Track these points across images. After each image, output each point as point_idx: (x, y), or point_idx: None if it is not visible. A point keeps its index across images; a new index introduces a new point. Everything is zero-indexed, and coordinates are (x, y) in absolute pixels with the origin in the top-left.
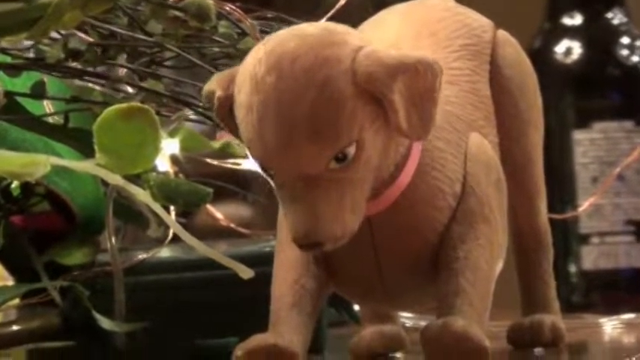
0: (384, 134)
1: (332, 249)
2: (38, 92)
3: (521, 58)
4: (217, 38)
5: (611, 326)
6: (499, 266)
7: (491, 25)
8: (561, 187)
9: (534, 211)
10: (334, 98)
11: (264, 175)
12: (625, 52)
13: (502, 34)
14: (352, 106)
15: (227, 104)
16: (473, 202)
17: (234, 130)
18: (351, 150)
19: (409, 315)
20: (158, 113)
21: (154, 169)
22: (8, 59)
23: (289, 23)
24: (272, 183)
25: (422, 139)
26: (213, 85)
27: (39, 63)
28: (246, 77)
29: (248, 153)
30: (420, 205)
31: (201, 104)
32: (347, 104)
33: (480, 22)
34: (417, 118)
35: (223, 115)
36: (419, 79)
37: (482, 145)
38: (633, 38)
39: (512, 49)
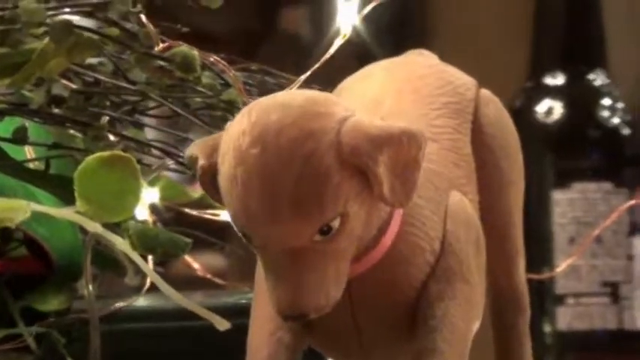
0: (368, 204)
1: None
2: (20, 137)
3: (503, 117)
4: (200, 89)
5: None
6: (476, 325)
7: (474, 83)
8: (539, 246)
9: (513, 271)
10: (319, 172)
11: (246, 243)
12: (606, 113)
13: (485, 92)
14: (337, 179)
15: (210, 173)
16: (452, 261)
17: (218, 198)
18: (336, 223)
19: None
20: (139, 162)
21: (133, 217)
22: None
23: (273, 76)
24: (256, 253)
25: (404, 207)
26: (196, 151)
27: (21, 108)
28: (230, 148)
29: (232, 224)
30: (399, 263)
31: (181, 154)
32: (332, 178)
33: (462, 80)
34: (400, 187)
35: (206, 182)
36: (403, 150)
37: (463, 203)
38: (614, 100)
39: (494, 108)
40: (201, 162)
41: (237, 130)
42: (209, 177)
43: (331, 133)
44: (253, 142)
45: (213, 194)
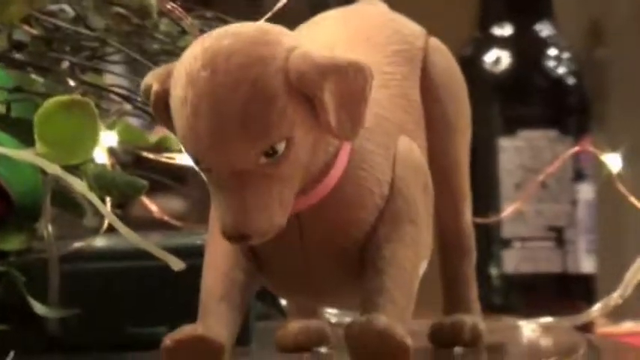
0: (314, 133)
1: (259, 242)
2: None
3: (451, 66)
4: (158, 36)
5: (529, 329)
6: (423, 266)
7: (424, 32)
8: (485, 192)
9: (459, 214)
10: (266, 95)
11: (197, 168)
12: (552, 63)
13: (434, 41)
14: (283, 103)
15: (163, 98)
16: (400, 204)
17: (170, 125)
18: (281, 146)
19: (334, 311)
20: (98, 106)
21: (92, 160)
22: None
23: (228, 23)
24: (204, 176)
25: (350, 140)
26: (151, 79)
27: None
28: (182, 72)
29: (181, 146)
30: (348, 204)
31: (139, 99)
32: (278, 102)
33: (412, 29)
34: (347, 119)
35: (159, 108)
36: (349, 80)
37: (412, 148)
38: (560, 50)
39: (443, 57)
40: (155, 87)
41: (190, 55)
42: (162, 103)
43: (279, 60)
44: (204, 65)
45: (166, 121)
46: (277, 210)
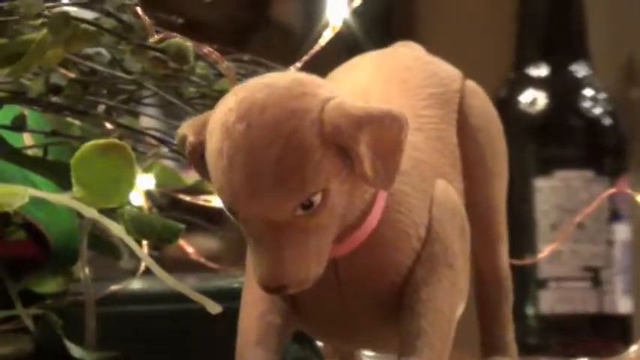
0: (350, 183)
1: (296, 292)
2: (19, 125)
3: (488, 108)
4: (194, 79)
5: None
6: (460, 309)
7: (460, 74)
8: (521, 232)
9: (496, 256)
10: (301, 148)
11: (233, 219)
12: (588, 103)
13: (470, 83)
14: (319, 156)
15: (199, 149)
16: (437, 247)
17: (205, 175)
18: (317, 198)
19: (371, 354)
20: (134, 149)
21: (129, 203)
22: None
23: (264, 65)
24: (240, 226)
25: (386, 189)
26: (186, 129)
27: (20, 96)
28: (218, 124)
29: (218, 197)
30: (385, 248)
31: (175, 141)
32: (314, 154)
33: (448, 71)
34: (383, 168)
35: (195, 159)
36: (385, 130)
37: (448, 191)
38: (596, 90)
39: (479, 99)
40: (190, 139)
41: (225, 107)
42: (198, 154)
43: (314, 112)
44: (239, 118)
45: (202, 171)
46: (314, 260)
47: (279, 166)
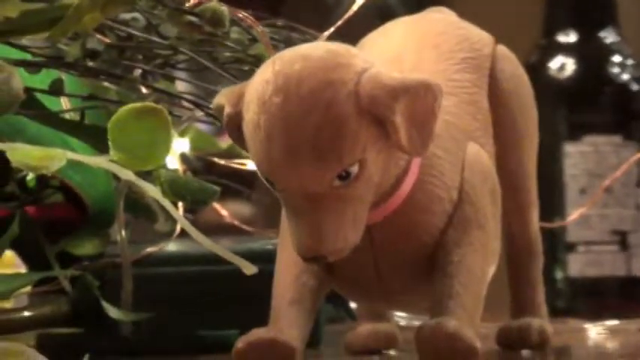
0: (386, 152)
1: (335, 260)
2: (56, 89)
3: (519, 73)
4: (229, 43)
5: (595, 331)
6: (491, 271)
7: (492, 39)
8: (551, 197)
9: (527, 219)
10: (338, 120)
11: (270, 188)
12: (616, 69)
13: (501, 49)
14: (355, 127)
15: (235, 120)
16: (468, 209)
17: (243, 145)
18: (354, 169)
19: (403, 314)
20: (170, 113)
21: (164, 166)
22: (28, 57)
23: (298, 31)
24: (278, 196)
25: (421, 156)
26: (223, 100)
27: (58, 61)
28: (254, 97)
29: (255, 168)
30: (418, 211)
31: (211, 106)
32: (350, 126)
33: (480, 36)
34: (417, 137)
35: (232, 130)
36: (419, 100)
37: (480, 154)
38: (624, 57)
39: (510, 64)
40: (227, 110)
41: (261, 79)
42: (235, 124)
43: (350, 84)
44: (276, 90)
45: (239, 141)
46: (351, 230)
47: (317, 137)
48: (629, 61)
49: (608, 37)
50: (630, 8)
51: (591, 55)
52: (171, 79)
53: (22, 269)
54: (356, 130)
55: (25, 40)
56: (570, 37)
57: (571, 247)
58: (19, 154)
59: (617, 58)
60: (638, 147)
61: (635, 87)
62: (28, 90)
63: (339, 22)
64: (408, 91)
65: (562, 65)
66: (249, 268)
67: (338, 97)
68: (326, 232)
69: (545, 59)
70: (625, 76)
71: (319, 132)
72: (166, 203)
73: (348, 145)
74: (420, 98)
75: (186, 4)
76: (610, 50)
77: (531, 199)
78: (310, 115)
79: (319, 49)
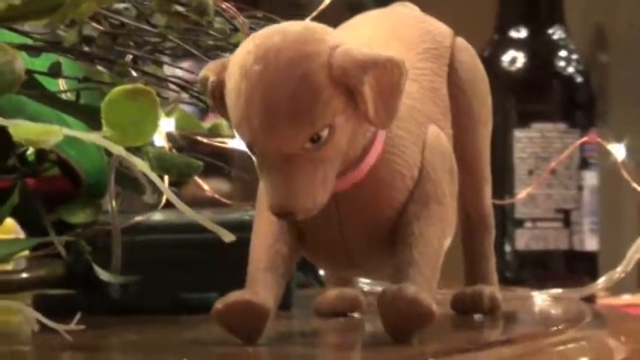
0: (354, 121)
1: (303, 219)
2: (54, 72)
3: (475, 63)
4: (212, 32)
5: (540, 299)
6: (448, 243)
7: (451, 32)
8: (501, 177)
9: (480, 196)
10: (312, 88)
11: (249, 152)
12: (562, 63)
13: (460, 41)
14: (327, 95)
15: (219, 88)
16: (428, 186)
17: (224, 112)
18: (324, 133)
19: (367, 280)
20: (158, 95)
21: (152, 144)
22: (29, 41)
23: (275, 22)
24: (254, 159)
25: (385, 128)
26: (207, 72)
27: (56, 46)
28: (237, 66)
29: (235, 132)
30: (382, 185)
31: (195, 89)
32: (323, 94)
33: (441, 29)
34: (383, 109)
35: (215, 98)
36: (386, 74)
37: (439, 136)
38: (570, 52)
39: (468, 55)
40: (211, 78)
41: (244, 50)
42: (218, 91)
43: (324, 56)
44: (256, 60)
45: (221, 109)
46: (320, 190)
47: (292, 103)
48: (574, 56)
49: (556, 33)
50: (576, 7)
51: (540, 50)
52: (159, 64)
53: (21, 235)
54: (327, 97)
55: (26, 26)
56: (521, 34)
57: (519, 223)
58: (20, 130)
59: (563, 53)
60: (581, 134)
61: (579, 79)
62: (29, 72)
63: (312, 14)
64: (376, 64)
65: (513, 59)
66: (228, 236)
67: (312, 68)
68: (297, 191)
69: (497, 53)
70: (570, 70)
71: (294, 98)
72: (153, 177)
73: (319, 110)
74: (387, 72)
75: None
76: (557, 46)
77: (485, 178)
78: (287, 83)
79: (297, 25)
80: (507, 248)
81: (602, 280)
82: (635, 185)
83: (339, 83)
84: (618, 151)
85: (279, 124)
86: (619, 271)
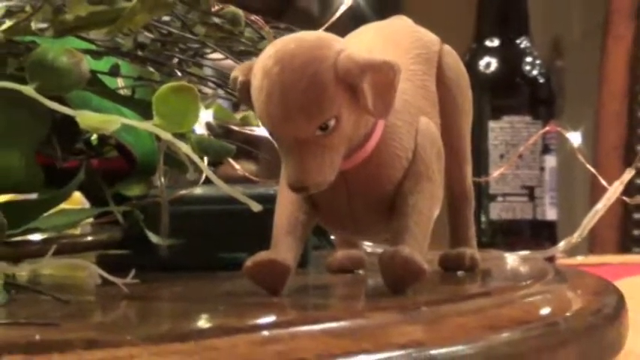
0: (356, 113)
1: (316, 192)
2: (114, 72)
3: (459, 65)
4: (243, 40)
5: (510, 259)
6: (436, 212)
7: (439, 40)
8: (478, 160)
9: (463, 174)
10: (320, 85)
11: (271, 138)
12: (528, 67)
13: (446, 47)
14: (333, 91)
15: (246, 86)
16: (420, 166)
17: (250, 105)
18: (332, 122)
19: (369, 243)
20: (199, 91)
21: (194, 131)
22: (93, 47)
23: (294, 31)
24: (275, 143)
25: (383, 118)
26: (237, 72)
27: (115, 51)
28: (260, 68)
29: (259, 122)
30: (382, 165)
31: (229, 87)
32: (329, 89)
33: (430, 37)
34: (380, 103)
35: (243, 93)
36: (382, 74)
37: (429, 125)
38: (534, 58)
39: (453, 58)
40: (240, 78)
41: (266, 55)
42: (245, 89)
43: (331, 59)
44: (275, 63)
45: (248, 103)
46: (328, 169)
47: (304, 97)
48: (537, 62)
49: (522, 43)
50: (538, 22)
51: (509, 56)
52: (200, 66)
53: (87, 205)
54: (334, 93)
55: (91, 34)
56: (494, 43)
57: (492, 198)
58: (86, 119)
59: (528, 59)
60: (543, 125)
61: (541, 80)
62: (93, 72)
63: (324, 27)
64: (373, 66)
65: (488, 63)
66: (256, 207)
67: (321, 69)
68: (309, 169)
69: (475, 59)
70: (534, 72)
71: (306, 93)
72: (195, 158)
73: (327, 103)
74: (382, 72)
75: (212, 9)
76: (523, 53)
77: (466, 160)
78: (300, 81)
79: (310, 34)
80: (483, 218)
81: (562, 244)
82: (588, 166)
83: (343, 82)
84: (574, 138)
85: (293, 115)
86: (575, 237)
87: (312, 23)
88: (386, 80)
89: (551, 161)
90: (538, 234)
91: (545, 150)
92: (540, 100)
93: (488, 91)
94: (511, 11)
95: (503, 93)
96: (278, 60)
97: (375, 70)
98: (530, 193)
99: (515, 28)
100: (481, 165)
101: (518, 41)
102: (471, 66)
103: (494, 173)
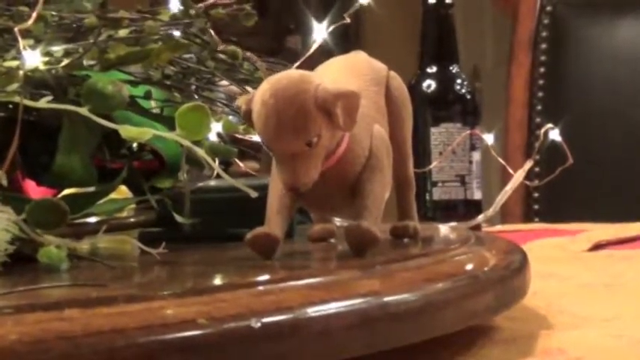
0: (331, 130)
1: (304, 190)
2: (147, 96)
3: (402, 86)
4: (242, 71)
5: (443, 229)
6: (387, 195)
7: (386, 68)
8: (423, 156)
9: (406, 166)
10: (305, 112)
11: (267, 151)
12: (458, 87)
13: (392, 73)
14: (315, 116)
15: (248, 113)
16: (375, 161)
17: (252, 126)
18: (315, 139)
19: (338, 219)
20: (211, 109)
21: (207, 139)
22: (131, 77)
23: (283, 64)
24: (271, 154)
25: (349, 131)
26: (241, 102)
27: (148, 80)
28: (259, 98)
29: (259, 138)
30: (348, 164)
31: (233, 107)
32: (312, 115)
33: (380, 66)
34: (349, 121)
35: (247, 118)
36: (350, 100)
37: (381, 131)
38: (462, 80)
39: (397, 82)
40: (243, 107)
41: (263, 89)
42: (248, 115)
43: (312, 92)
44: (271, 95)
45: (250, 124)
46: (313, 172)
47: (293, 122)
48: (465, 83)
49: (454, 69)
50: (462, 54)
51: (445, 79)
52: (211, 90)
53: (130, 195)
54: (315, 118)
55: (129, 68)
56: (433, 69)
57: (434, 184)
58: (127, 131)
59: (458, 81)
60: (470, 129)
61: (468, 97)
62: (131, 96)
63: (302, 59)
64: (343, 95)
65: (429, 85)
66: (253, 194)
67: (305, 99)
68: (298, 174)
69: (419, 82)
70: (463, 91)
71: (295, 119)
72: (209, 159)
73: (311, 125)
74: (350, 99)
75: (219, 48)
76: (455, 77)
77: (409, 155)
78: (289, 110)
79: (296, 73)
80: (427, 199)
81: (480, 217)
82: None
83: (322, 108)
84: (489, 139)
85: (286, 135)
86: (490, 211)
87: (294, 56)
88: (352, 104)
89: (476, 156)
90: (468, 210)
91: (472, 148)
92: (467, 112)
93: (430, 106)
94: (445, 46)
95: (440, 106)
96: (272, 93)
97: (344, 98)
98: (462, 179)
99: (448, 59)
100: (425, 159)
101: (450, 68)
102: (416, 87)
103: (435, 165)
